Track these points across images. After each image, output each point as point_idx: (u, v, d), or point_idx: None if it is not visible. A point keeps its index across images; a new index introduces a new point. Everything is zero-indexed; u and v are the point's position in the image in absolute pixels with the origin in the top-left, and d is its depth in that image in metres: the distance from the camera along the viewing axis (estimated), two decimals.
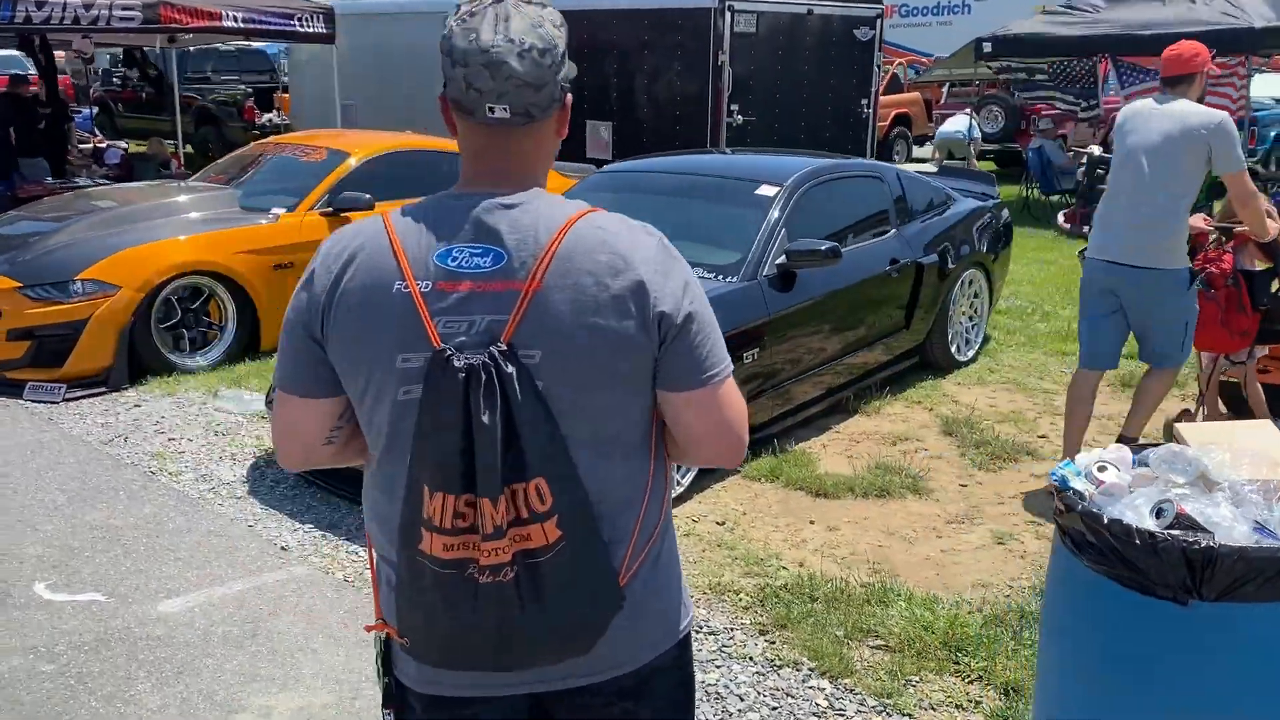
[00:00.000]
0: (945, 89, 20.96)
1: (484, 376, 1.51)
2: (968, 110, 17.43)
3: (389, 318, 1.57)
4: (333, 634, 3.67)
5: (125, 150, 11.51)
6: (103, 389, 6.38)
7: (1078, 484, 2.33)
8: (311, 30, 10.73)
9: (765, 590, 3.92)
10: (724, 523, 4.58)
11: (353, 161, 7.71)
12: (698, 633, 3.59)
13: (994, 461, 5.33)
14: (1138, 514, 2.17)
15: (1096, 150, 12.90)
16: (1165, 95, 4.64)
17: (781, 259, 5.42)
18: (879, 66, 12.51)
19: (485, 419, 1.50)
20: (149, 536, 4.42)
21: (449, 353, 1.53)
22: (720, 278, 5.29)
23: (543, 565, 1.55)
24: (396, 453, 1.62)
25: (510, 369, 1.52)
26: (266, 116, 18.74)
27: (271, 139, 8.67)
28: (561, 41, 1.64)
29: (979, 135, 16.70)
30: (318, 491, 4.93)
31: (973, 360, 7.02)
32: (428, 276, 1.57)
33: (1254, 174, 11.84)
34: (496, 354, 1.52)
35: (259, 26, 10.44)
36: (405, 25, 13.36)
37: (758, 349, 5.17)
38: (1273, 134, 16.96)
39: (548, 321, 1.55)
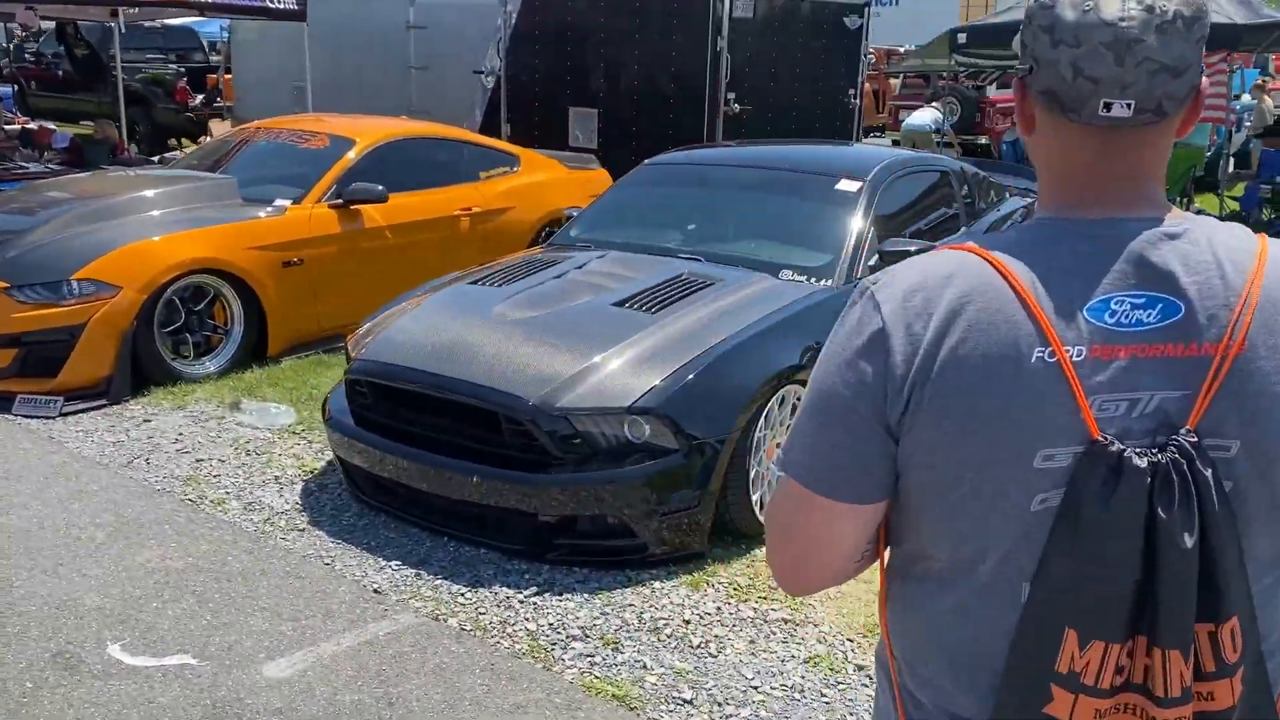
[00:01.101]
0: (899, 80, 20.91)
1: (1176, 480, 1.08)
2: (935, 104, 17.32)
3: (1025, 398, 1.13)
4: (478, 700, 3.18)
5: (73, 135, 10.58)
6: (103, 402, 5.71)
7: None
8: (282, 7, 9.98)
9: None
10: None
11: (359, 149, 7.10)
12: None
13: None
14: None
15: None
16: None
17: (874, 259, 5.05)
18: (866, 56, 12.23)
19: (1184, 542, 1.07)
20: (218, 581, 3.85)
21: (1120, 448, 1.09)
22: (813, 280, 4.89)
23: None
24: (1004, 573, 1.18)
25: (1206, 470, 1.09)
26: (201, 98, 17.74)
27: (256, 123, 7.98)
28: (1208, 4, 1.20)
29: (950, 127, 16.61)
30: (387, 519, 4.40)
31: None
32: (1079, 339, 1.14)
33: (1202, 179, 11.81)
34: (1187, 447, 1.09)
35: (225, 1, 9.67)
36: (369, 6, 12.63)
37: None
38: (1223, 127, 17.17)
39: (1250, 400, 1.12)
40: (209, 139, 14.51)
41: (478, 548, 4.16)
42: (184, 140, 16.60)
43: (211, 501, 4.55)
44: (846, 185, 5.37)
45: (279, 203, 6.67)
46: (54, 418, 5.52)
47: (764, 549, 4.17)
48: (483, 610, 3.72)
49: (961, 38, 13.82)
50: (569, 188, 8.48)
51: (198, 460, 5.01)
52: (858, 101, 12.12)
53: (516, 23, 11.40)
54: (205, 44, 20.64)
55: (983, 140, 18.48)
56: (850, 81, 11.87)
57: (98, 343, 5.68)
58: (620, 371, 4.05)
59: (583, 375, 4.04)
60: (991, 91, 18.93)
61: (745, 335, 4.28)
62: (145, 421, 5.49)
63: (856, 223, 5.15)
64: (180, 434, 5.33)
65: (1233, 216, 12.00)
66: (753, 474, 4.17)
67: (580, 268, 5.02)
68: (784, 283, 4.84)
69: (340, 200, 6.80)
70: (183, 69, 18.15)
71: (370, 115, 10.09)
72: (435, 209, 7.41)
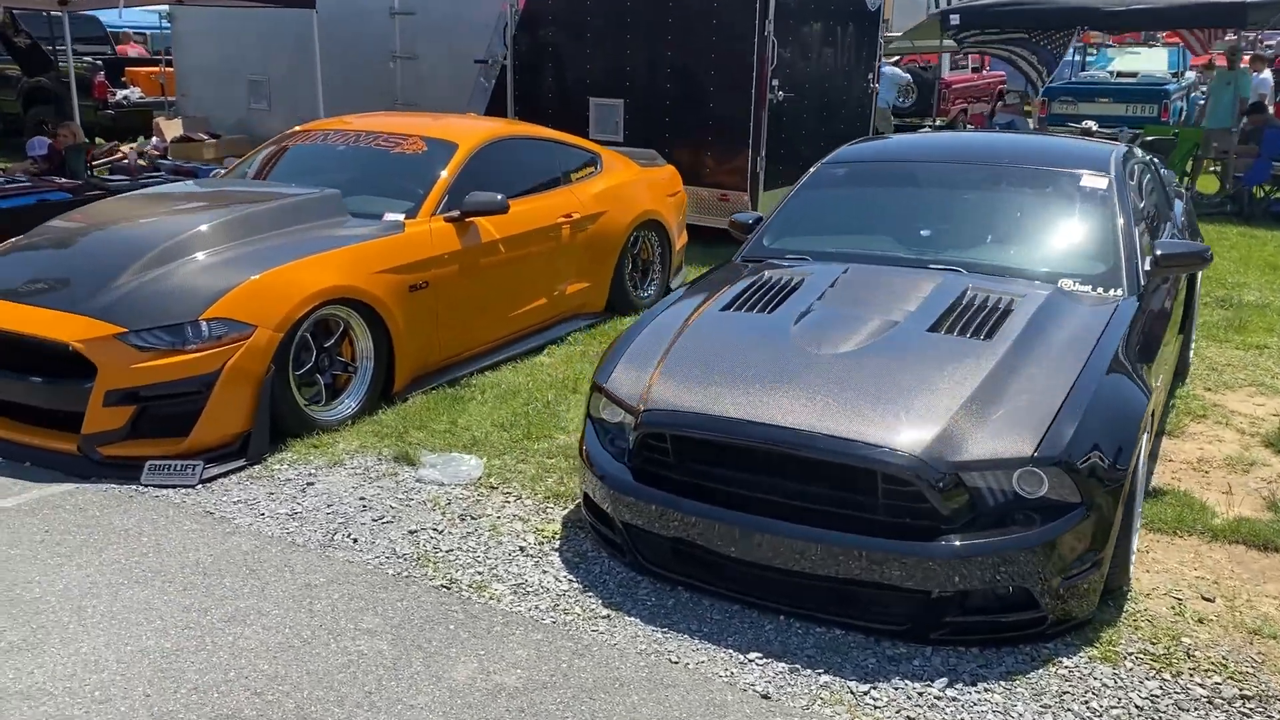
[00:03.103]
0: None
1: None
2: (899, 84, 17.11)
3: None
4: None
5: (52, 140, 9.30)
6: (241, 462, 4.84)
7: None
8: None
9: None
10: None
11: (463, 153, 6.31)
12: None
13: None
14: None
15: (1093, 125, 12.73)
16: None
17: (1148, 264, 4.59)
18: (884, 39, 11.81)
19: None
20: (579, 699, 3.13)
21: None
22: (1099, 290, 4.39)
23: None
24: None
25: None
26: (123, 94, 16.26)
27: (304, 126, 7.06)
28: None
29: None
30: (691, 594, 3.73)
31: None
32: None
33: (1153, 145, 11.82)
34: None
35: None
36: None
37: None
38: (1178, 105, 17.46)
39: None
40: (155, 140, 13.21)
41: (826, 627, 3.54)
42: (99, 141, 15.02)
43: (471, 587, 3.79)
44: (1093, 180, 4.89)
45: (391, 218, 5.84)
46: (194, 486, 4.64)
47: (1132, 604, 3.68)
48: (905, 710, 3.11)
49: (954, 19, 13.58)
50: (649, 189, 7.84)
51: (409, 532, 4.22)
52: (876, 86, 11.71)
53: (526, 6, 10.58)
54: (108, 35, 19.03)
55: (939, 121, 18.36)
56: (869, 65, 11.44)
57: (233, 392, 4.80)
58: (1004, 417, 3.47)
59: (960, 422, 3.45)
60: (946, 73, 18.85)
61: (1101, 364, 3.75)
62: (309, 484, 4.65)
63: (1118, 222, 4.67)
64: (362, 498, 4.52)
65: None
66: (1137, 523, 3.65)
67: (833, 285, 4.41)
68: (1080, 294, 4.32)
69: (457, 213, 6.00)
70: (99, 61, 16.58)
71: (422, 110, 9.23)
72: (540, 217, 6.66)
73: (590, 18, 10.25)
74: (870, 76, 11.51)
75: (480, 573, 3.91)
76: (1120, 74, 18.73)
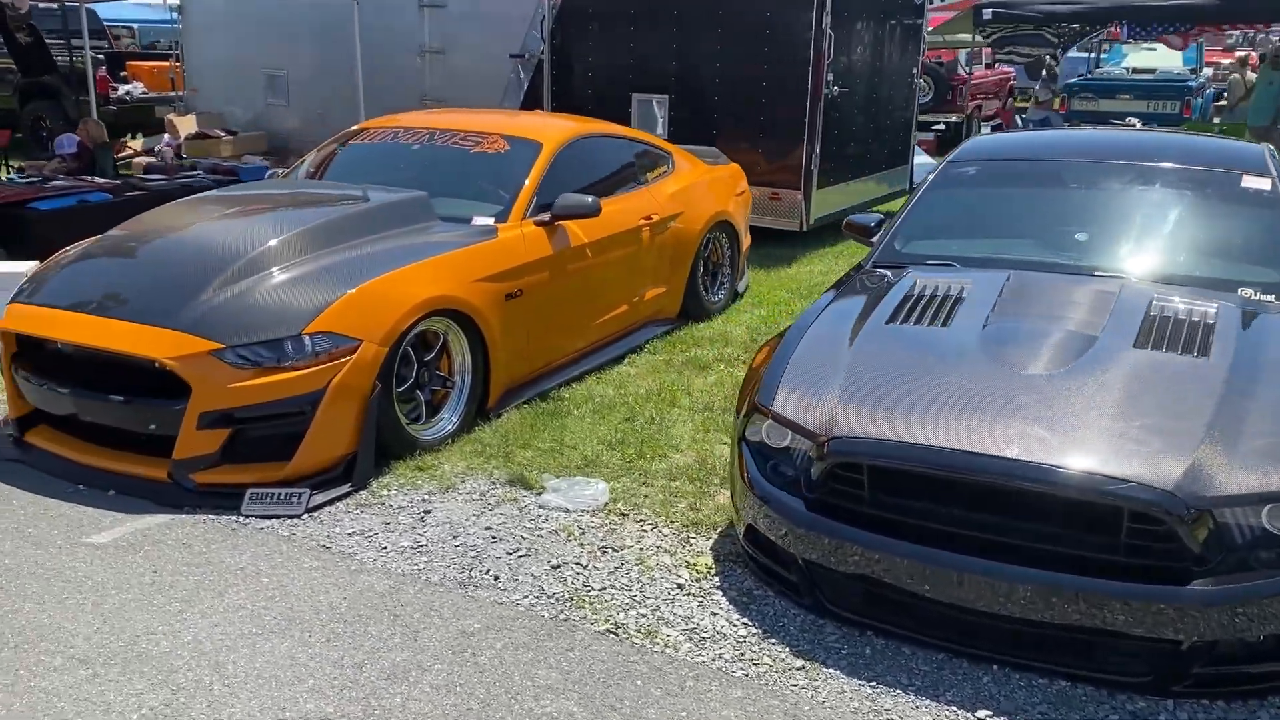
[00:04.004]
0: None
1: None
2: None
3: None
4: None
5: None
6: (346, 488, 4.46)
7: None
8: None
9: None
10: None
11: (548, 152, 5.93)
12: None
13: None
14: None
15: (1137, 123, 12.49)
16: None
17: None
18: (927, 31, 11.51)
19: None
20: None
21: None
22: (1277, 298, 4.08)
23: None
24: None
25: None
26: (125, 89, 15.74)
27: (366, 123, 6.66)
28: None
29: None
30: (888, 642, 3.39)
31: None
32: None
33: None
34: None
35: None
36: None
37: None
38: (1199, 101, 17.27)
39: None
40: (168, 137, 12.73)
41: (1049, 678, 3.21)
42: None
43: (640, 633, 3.43)
44: (1255, 181, 4.58)
45: (480, 222, 5.46)
46: (299, 516, 4.25)
47: None
48: None
49: (987, 13, 13.32)
50: (719, 188, 7.49)
51: (551, 567, 3.86)
52: (919, 82, 11.41)
53: (565, 0, 10.20)
54: (106, 29, 18.47)
55: (954, 118, 18.07)
56: (913, 60, 11.13)
57: (338, 412, 4.42)
58: (1252, 446, 3.15)
59: (1207, 452, 3.12)
60: (962, 69, 18.60)
61: None
62: (425, 513, 4.27)
63: None
64: (488, 528, 4.15)
65: None
66: None
67: (1002, 295, 4.07)
68: (1267, 303, 4.01)
69: (549, 216, 5.63)
70: (100, 56, 16.03)
71: (472, 107, 8.85)
72: (623, 219, 6.30)
73: (634, 10, 9.88)
74: (914, 71, 11.20)
75: (644, 615, 3.55)
76: (1136, 70, 18.53)
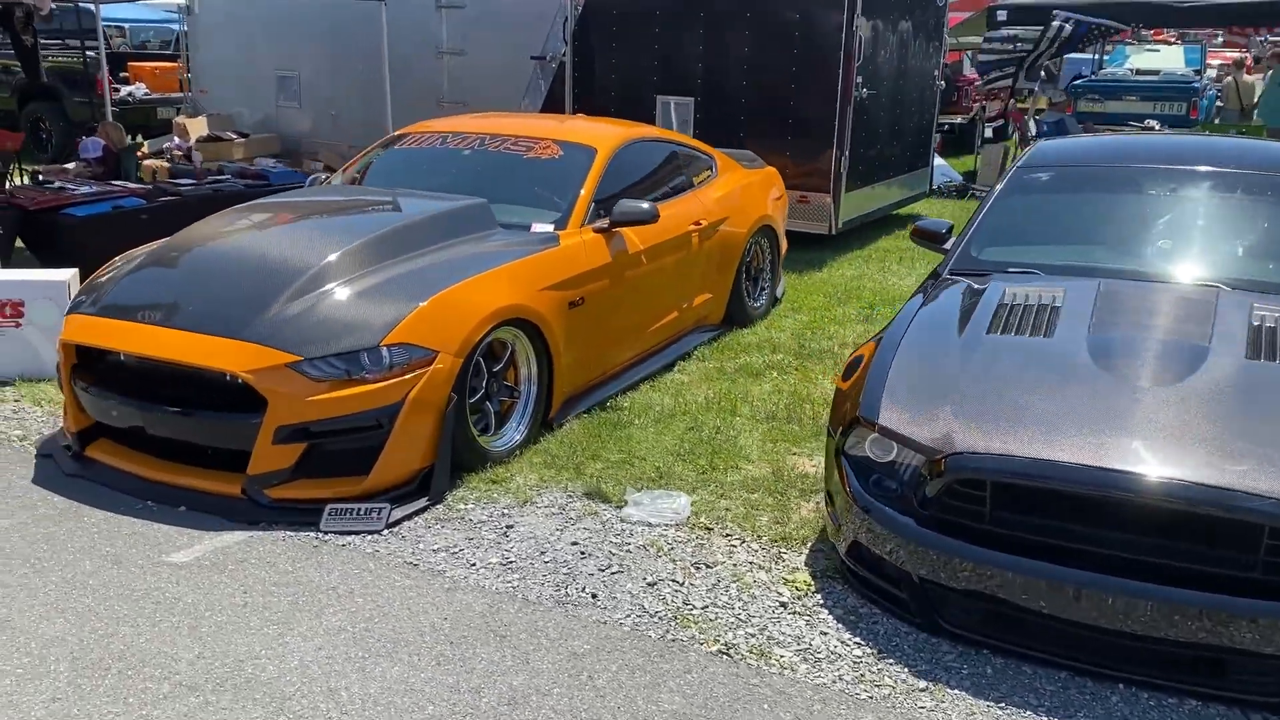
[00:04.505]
0: None
1: None
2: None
3: None
4: None
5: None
6: (424, 502, 4.36)
7: None
8: None
9: None
10: None
11: (603, 158, 5.85)
12: None
13: None
14: None
15: (1155, 125, 12.49)
16: None
17: None
18: (947, 32, 11.47)
19: None
20: None
21: None
22: None
23: None
24: None
25: None
26: (128, 90, 15.53)
27: (410, 128, 6.55)
28: None
29: None
30: (1008, 661, 3.33)
31: None
32: None
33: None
34: None
35: None
36: None
37: None
38: (1204, 103, 17.31)
39: None
40: (177, 140, 12.55)
41: (1179, 697, 3.15)
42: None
43: (753, 653, 3.35)
44: None
45: (540, 229, 5.38)
46: (379, 532, 4.15)
47: None
48: None
49: (1001, 15, 13.30)
50: (758, 191, 7.42)
51: (647, 585, 3.78)
52: (941, 84, 11.37)
53: (587, 1, 10.11)
54: (102, 30, 18.19)
55: (959, 119, 18.05)
56: (936, 60, 11.09)
57: (416, 425, 4.32)
58: None
59: None
60: (967, 70, 18.58)
61: None
62: (508, 528, 4.18)
63: None
64: (574, 543, 4.06)
65: None
66: None
67: (1097, 305, 4.01)
68: None
69: (607, 222, 5.55)
70: (99, 56, 15.77)
71: (489, 110, 8.75)
72: (675, 225, 6.22)
73: (659, 11, 9.79)
74: (936, 72, 11.17)
75: (753, 634, 3.47)
76: (1140, 71, 18.55)
